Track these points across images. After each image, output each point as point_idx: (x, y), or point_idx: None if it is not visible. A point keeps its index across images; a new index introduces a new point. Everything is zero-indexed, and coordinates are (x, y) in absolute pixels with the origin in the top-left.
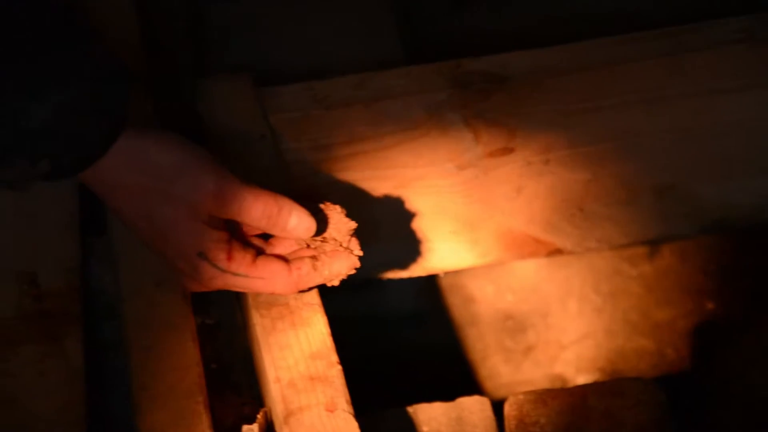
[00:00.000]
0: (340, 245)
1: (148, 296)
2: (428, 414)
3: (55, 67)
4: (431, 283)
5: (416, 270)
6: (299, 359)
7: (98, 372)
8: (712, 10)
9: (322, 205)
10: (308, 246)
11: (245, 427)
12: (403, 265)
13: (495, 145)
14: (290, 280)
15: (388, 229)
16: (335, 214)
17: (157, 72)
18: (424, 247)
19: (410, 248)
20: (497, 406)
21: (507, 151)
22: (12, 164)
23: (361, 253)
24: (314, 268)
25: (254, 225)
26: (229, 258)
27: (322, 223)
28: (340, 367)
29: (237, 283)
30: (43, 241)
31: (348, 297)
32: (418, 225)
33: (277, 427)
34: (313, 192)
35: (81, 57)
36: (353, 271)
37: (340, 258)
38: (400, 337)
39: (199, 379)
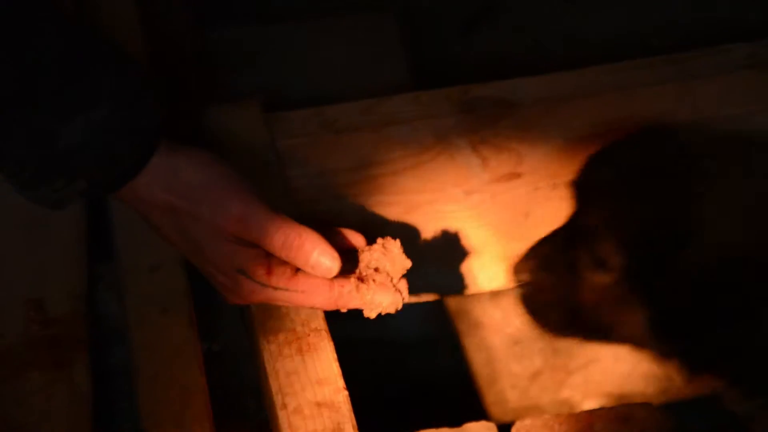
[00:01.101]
0: (391, 280)
1: (154, 323)
2: None
3: (88, 86)
4: (439, 308)
5: (423, 295)
6: (306, 385)
7: (105, 398)
8: (707, 36)
9: (381, 239)
10: (361, 273)
11: None
12: (411, 289)
13: (502, 171)
14: (331, 296)
15: None
16: (395, 248)
17: (165, 99)
18: (433, 272)
19: (418, 273)
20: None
21: (514, 176)
22: (50, 183)
23: (407, 299)
24: (357, 289)
25: (276, 254)
26: (269, 273)
27: (380, 255)
28: (346, 392)
29: (278, 297)
30: (50, 267)
31: (355, 322)
32: (426, 250)
33: None
34: (331, 218)
35: (113, 75)
36: (393, 311)
37: (386, 292)
38: (407, 363)
39: (205, 406)
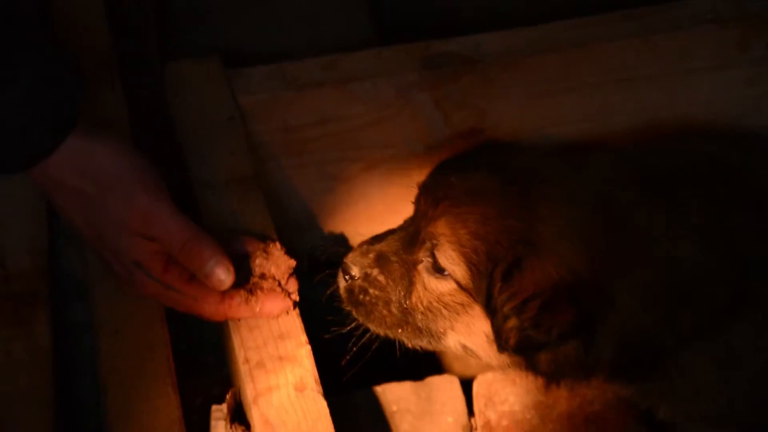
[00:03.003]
0: (278, 284)
1: None
2: (397, 393)
3: (4, 65)
4: None
5: None
6: (268, 339)
7: (67, 354)
8: None
9: (263, 244)
10: (248, 281)
11: (214, 407)
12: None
13: (464, 126)
14: (220, 308)
15: (357, 209)
16: (276, 251)
17: (125, 55)
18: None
19: (380, 228)
20: (466, 385)
21: (476, 132)
22: None
23: (296, 298)
24: (246, 301)
25: (174, 256)
26: (165, 270)
27: (262, 260)
28: (309, 347)
29: (169, 296)
30: (10, 222)
31: (317, 278)
32: (388, 205)
33: (246, 407)
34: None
35: (29, 55)
36: (286, 313)
37: (274, 299)
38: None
39: (167, 360)
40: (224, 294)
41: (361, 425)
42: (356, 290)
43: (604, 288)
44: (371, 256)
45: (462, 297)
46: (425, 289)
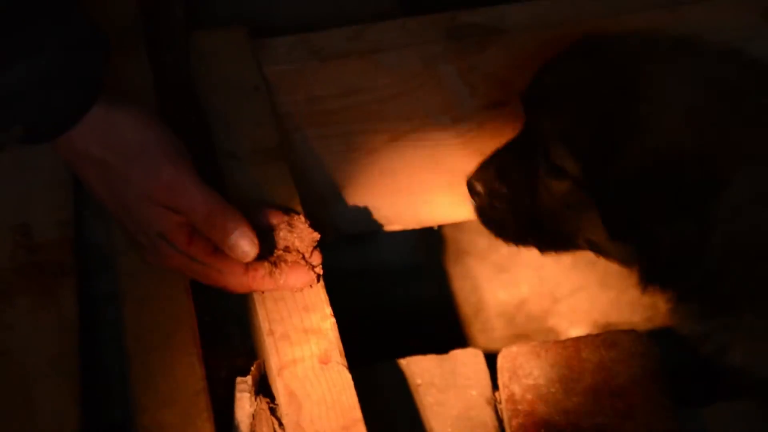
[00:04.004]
0: (302, 257)
1: None
2: (421, 366)
3: (30, 34)
4: (425, 237)
5: (411, 223)
6: (293, 311)
7: (92, 324)
8: None
9: (287, 217)
10: (272, 253)
11: (239, 379)
12: (398, 218)
13: (490, 98)
14: (244, 280)
15: (382, 181)
16: (300, 224)
17: (151, 24)
18: (419, 200)
19: (405, 201)
20: (491, 359)
21: (502, 103)
22: None
23: (320, 271)
24: (270, 274)
25: (198, 228)
26: (189, 242)
27: (286, 233)
28: (333, 319)
29: (193, 268)
30: (37, 193)
31: (343, 250)
32: (413, 178)
33: (270, 379)
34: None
35: (54, 24)
36: (310, 286)
37: (298, 272)
38: (395, 291)
39: (192, 331)
40: (248, 266)
41: (385, 398)
42: (486, 207)
43: (714, 167)
44: (492, 169)
45: (580, 193)
46: (548, 192)
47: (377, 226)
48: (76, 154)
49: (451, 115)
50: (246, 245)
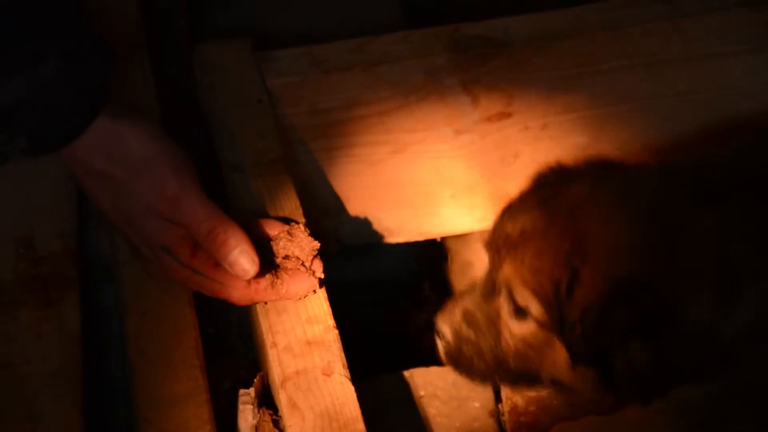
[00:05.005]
0: (302, 264)
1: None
2: (425, 378)
3: (36, 43)
4: (429, 249)
5: (413, 235)
6: (296, 324)
7: (95, 336)
8: None
9: (287, 226)
10: (272, 263)
11: (242, 391)
12: (401, 230)
13: (493, 110)
14: (246, 292)
15: (385, 193)
16: (299, 233)
17: (154, 36)
18: (422, 212)
19: (408, 213)
20: None
21: (505, 115)
22: None
23: (322, 276)
24: (272, 285)
25: (199, 242)
26: (193, 255)
27: (286, 242)
28: (336, 331)
29: (196, 280)
30: (40, 205)
31: (346, 262)
32: (416, 190)
33: (273, 391)
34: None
35: (58, 36)
36: (312, 293)
37: (299, 279)
38: (398, 303)
39: (196, 343)
40: (250, 280)
41: (388, 410)
42: (453, 351)
43: (662, 288)
44: (458, 313)
45: (544, 334)
46: (511, 334)
47: (380, 238)
48: (81, 166)
49: (454, 127)
50: (246, 263)
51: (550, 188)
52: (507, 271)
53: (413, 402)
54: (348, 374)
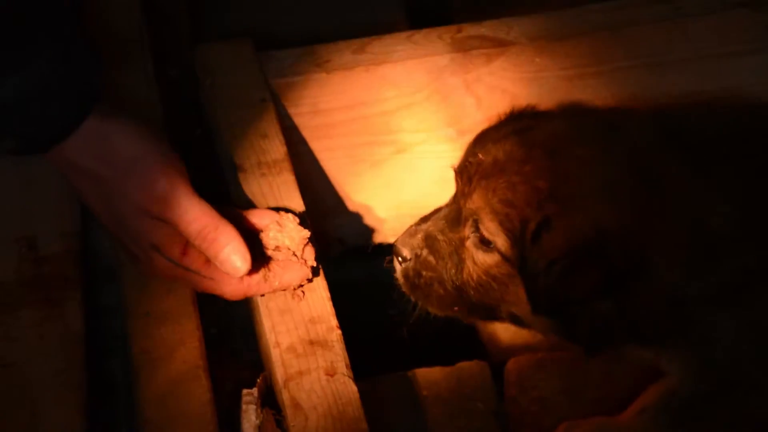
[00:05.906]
0: (294, 254)
1: None
2: (428, 378)
3: (25, 45)
4: None
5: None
6: (299, 323)
7: (98, 336)
8: None
9: (276, 215)
10: (263, 255)
11: (245, 391)
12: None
13: (496, 110)
14: (239, 287)
15: (388, 194)
16: (289, 223)
17: (156, 38)
18: (425, 212)
19: (411, 213)
20: (497, 370)
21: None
22: None
23: (314, 264)
24: (265, 279)
25: (191, 241)
26: (183, 253)
27: (276, 233)
28: (339, 331)
29: (188, 278)
30: (42, 205)
31: (349, 262)
32: (419, 190)
33: (276, 391)
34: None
35: (47, 38)
36: (305, 282)
37: (292, 269)
38: (400, 303)
39: (198, 343)
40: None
41: (391, 410)
42: (411, 274)
43: (635, 247)
44: (419, 236)
45: (507, 267)
46: (474, 264)
47: (383, 239)
48: (70, 166)
49: (457, 128)
50: (237, 261)
51: (527, 120)
52: (476, 200)
53: (416, 402)
54: (351, 374)
